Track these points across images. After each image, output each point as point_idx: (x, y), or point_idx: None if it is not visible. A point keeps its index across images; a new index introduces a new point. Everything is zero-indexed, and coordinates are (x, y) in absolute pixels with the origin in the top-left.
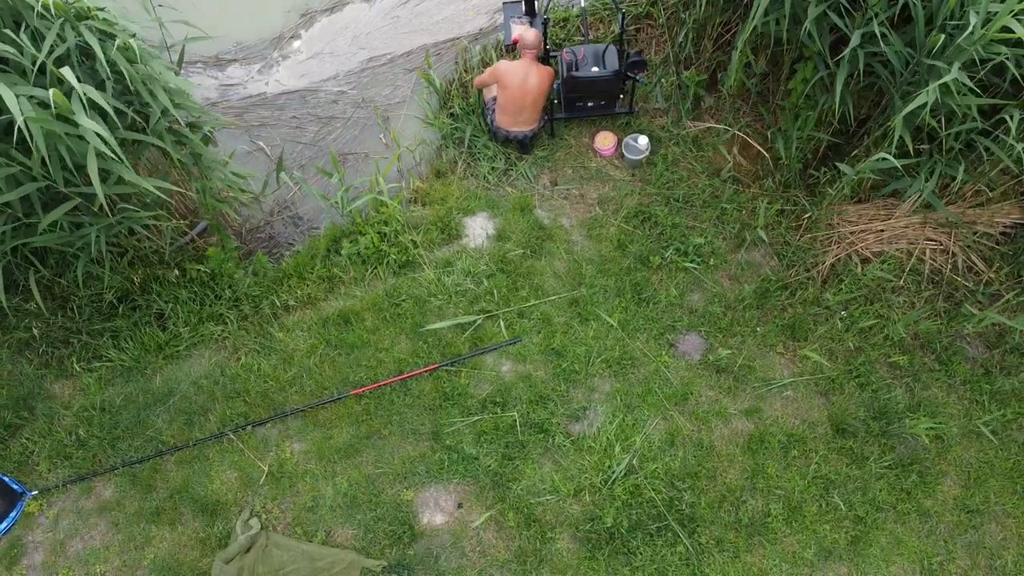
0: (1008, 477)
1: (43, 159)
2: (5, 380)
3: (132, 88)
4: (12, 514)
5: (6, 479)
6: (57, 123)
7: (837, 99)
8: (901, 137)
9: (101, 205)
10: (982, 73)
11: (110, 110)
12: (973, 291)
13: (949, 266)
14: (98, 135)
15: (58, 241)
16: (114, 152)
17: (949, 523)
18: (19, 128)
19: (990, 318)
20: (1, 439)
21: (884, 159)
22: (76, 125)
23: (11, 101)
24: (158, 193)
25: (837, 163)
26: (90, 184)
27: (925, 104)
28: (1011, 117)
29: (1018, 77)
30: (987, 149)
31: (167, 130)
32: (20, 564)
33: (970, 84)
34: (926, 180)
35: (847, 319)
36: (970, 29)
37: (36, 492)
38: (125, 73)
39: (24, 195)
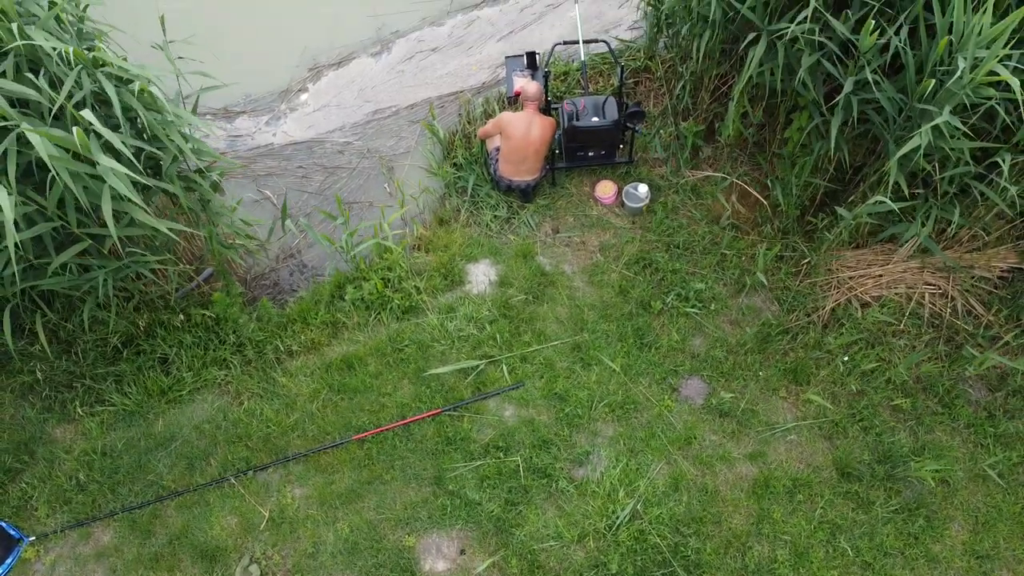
0: (1017, 522)
1: (59, 200)
2: (7, 424)
3: (148, 133)
4: (8, 560)
5: (3, 524)
6: (75, 163)
7: (832, 145)
8: (897, 183)
9: (111, 248)
10: (974, 119)
11: (128, 152)
12: (973, 334)
13: (948, 310)
14: (115, 174)
15: (66, 284)
16: (129, 194)
17: (959, 569)
18: (36, 169)
19: (991, 360)
20: (0, 483)
21: (881, 203)
22: (93, 165)
23: (37, 141)
24: (169, 234)
25: (836, 207)
26: (103, 226)
27: (919, 147)
28: (1003, 160)
29: (1009, 123)
30: (982, 194)
31: (177, 176)
32: None
33: (962, 127)
34: (922, 224)
35: (849, 363)
36: (959, 74)
37: (33, 537)
38: (141, 117)
39: (37, 237)
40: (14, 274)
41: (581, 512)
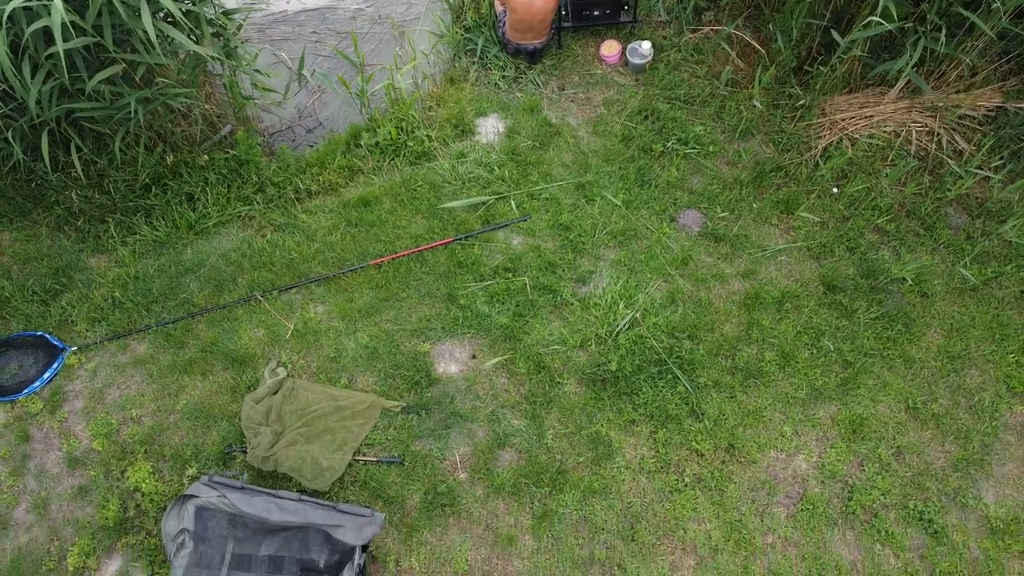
0: (988, 328)
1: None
2: (45, 253)
3: None
4: (54, 365)
5: (47, 336)
6: None
7: None
8: (887, 11)
9: (142, 77)
10: None
11: None
12: (957, 167)
13: (934, 145)
14: None
15: (99, 111)
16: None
17: (932, 368)
18: None
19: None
20: (42, 302)
21: (878, 23)
22: None
23: None
24: (203, 53)
25: (832, 31)
26: (135, 52)
27: None
28: None
29: None
30: (971, 26)
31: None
32: (62, 409)
33: None
34: (911, 54)
35: (838, 195)
36: None
37: (75, 348)
38: None
39: (72, 62)
40: (54, 90)
41: (584, 322)
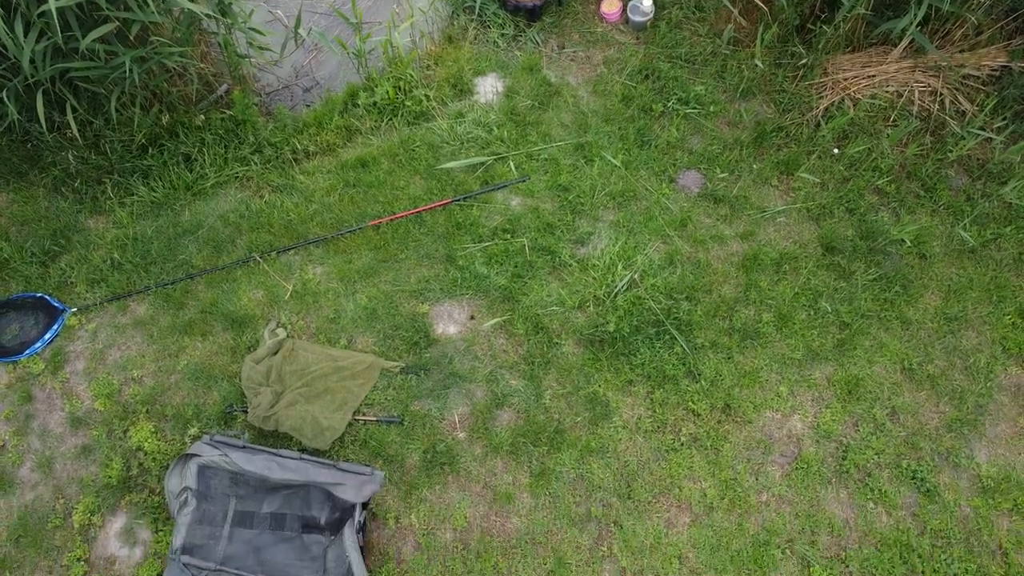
0: (986, 290)
1: None
2: (43, 214)
3: None
4: (55, 327)
5: (47, 297)
6: None
7: None
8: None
9: (136, 36)
10: None
11: None
12: (959, 128)
13: (936, 105)
14: None
15: (94, 71)
16: None
17: (929, 329)
18: None
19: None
20: (41, 263)
21: None
22: None
23: None
24: (197, 10)
25: None
26: (128, 9)
27: None
28: None
29: None
30: None
31: None
32: (64, 370)
33: None
34: (915, 12)
35: (839, 155)
36: None
37: (75, 309)
38: None
39: (65, 21)
40: (47, 49)
41: (582, 283)
